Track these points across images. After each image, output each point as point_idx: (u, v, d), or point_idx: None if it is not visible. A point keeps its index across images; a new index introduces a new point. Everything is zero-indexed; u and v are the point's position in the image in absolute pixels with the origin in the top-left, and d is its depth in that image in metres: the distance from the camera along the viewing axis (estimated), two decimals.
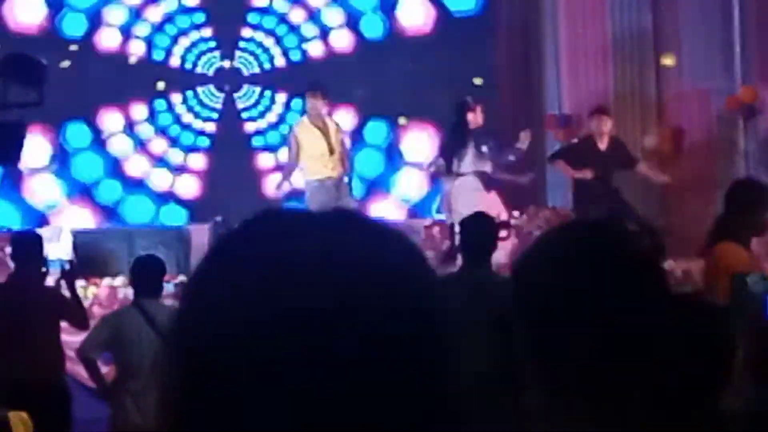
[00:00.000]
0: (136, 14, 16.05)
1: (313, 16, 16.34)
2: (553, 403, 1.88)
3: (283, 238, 1.06)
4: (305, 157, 11.94)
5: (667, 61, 14.06)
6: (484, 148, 12.00)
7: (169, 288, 8.45)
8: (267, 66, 16.34)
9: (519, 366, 1.96)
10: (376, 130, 15.95)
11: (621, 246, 1.91)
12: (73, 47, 15.54)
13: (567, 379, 1.87)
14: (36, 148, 13.79)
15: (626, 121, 14.12)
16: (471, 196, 11.50)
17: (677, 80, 14.23)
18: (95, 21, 15.89)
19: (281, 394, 1.00)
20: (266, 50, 16.32)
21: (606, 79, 14.39)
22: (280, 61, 16.37)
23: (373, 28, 16.20)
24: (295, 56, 16.37)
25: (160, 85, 15.85)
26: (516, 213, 13.27)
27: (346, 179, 12.11)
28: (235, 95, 16.25)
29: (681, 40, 14.28)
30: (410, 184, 15.72)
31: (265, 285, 1.03)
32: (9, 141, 11.08)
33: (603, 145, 12.53)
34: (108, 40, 15.90)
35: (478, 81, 15.61)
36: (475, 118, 12.06)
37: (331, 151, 11.88)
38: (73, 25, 15.79)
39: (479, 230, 6.95)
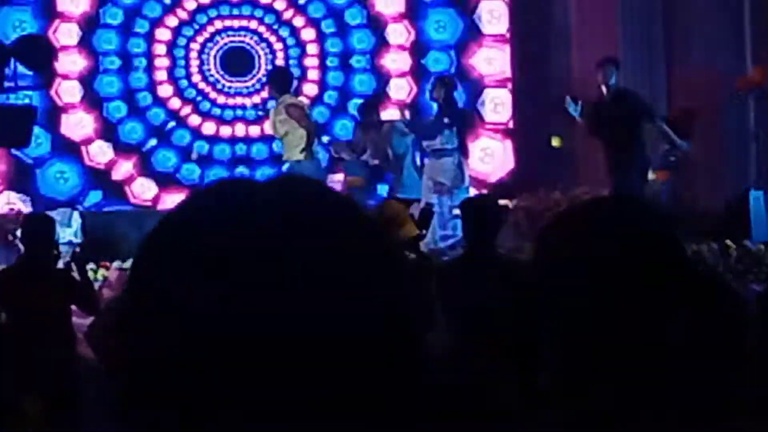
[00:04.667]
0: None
1: None
2: (570, 382, 1.88)
3: (228, 206, 1.08)
4: (296, 135, 12.09)
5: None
6: None
7: None
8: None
9: (535, 346, 1.95)
10: None
11: (646, 223, 1.90)
12: None
13: (586, 358, 1.86)
14: None
15: None
16: None
17: (687, 61, 14.20)
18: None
19: (234, 362, 1.01)
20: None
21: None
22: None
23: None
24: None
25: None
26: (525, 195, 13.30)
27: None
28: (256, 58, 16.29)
29: (692, 21, 14.25)
30: None
31: (210, 250, 1.04)
32: (19, 124, 11.12)
33: (607, 96, 12.37)
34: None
35: None
36: None
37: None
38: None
39: (483, 211, 6.85)
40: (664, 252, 1.87)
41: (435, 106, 12.95)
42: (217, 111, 16.22)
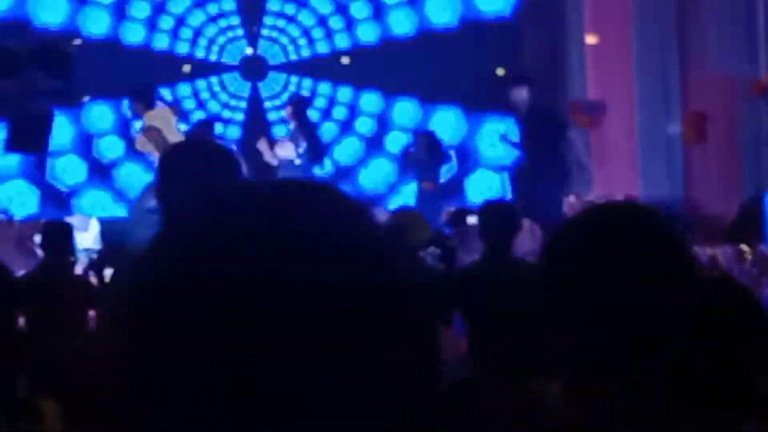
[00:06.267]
0: (160, 7, 16.14)
1: (341, 7, 16.40)
2: (581, 383, 1.89)
3: (231, 208, 1.05)
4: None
5: None
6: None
7: None
8: (293, 57, 16.40)
9: (548, 348, 1.97)
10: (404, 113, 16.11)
11: (653, 228, 1.91)
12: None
13: (595, 359, 1.87)
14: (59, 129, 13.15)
15: (650, 108, 14.12)
16: None
17: (701, 66, 14.19)
18: (119, 16, 15.98)
19: (230, 365, 0.99)
20: (293, 40, 16.40)
21: (629, 66, 14.38)
22: (305, 52, 16.42)
23: (400, 23, 16.28)
24: (322, 48, 16.42)
25: (186, 68, 15.83)
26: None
27: None
28: (260, 84, 16.32)
29: (705, 26, 14.24)
30: None
31: (216, 252, 1.01)
32: (36, 130, 11.17)
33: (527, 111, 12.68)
34: (132, 35, 16.00)
35: (500, 72, 15.65)
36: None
37: None
38: (96, 23, 15.86)
39: (500, 217, 6.85)
40: (673, 256, 1.89)
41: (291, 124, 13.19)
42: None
